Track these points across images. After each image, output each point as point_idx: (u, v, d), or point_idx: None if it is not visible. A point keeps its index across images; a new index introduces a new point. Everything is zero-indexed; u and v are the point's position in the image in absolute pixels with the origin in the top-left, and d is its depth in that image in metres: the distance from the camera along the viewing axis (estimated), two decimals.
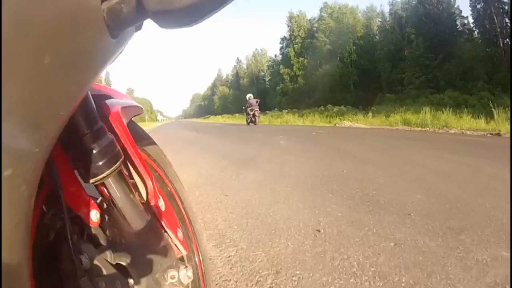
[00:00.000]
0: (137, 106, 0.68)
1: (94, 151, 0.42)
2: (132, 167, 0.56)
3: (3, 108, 0.21)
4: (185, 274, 0.58)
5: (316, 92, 36.53)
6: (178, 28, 0.35)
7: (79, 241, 0.43)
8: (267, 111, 30.35)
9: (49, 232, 0.42)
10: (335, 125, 14.23)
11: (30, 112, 0.24)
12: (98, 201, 0.48)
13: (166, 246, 0.58)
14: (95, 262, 0.44)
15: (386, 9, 32.68)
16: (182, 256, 0.65)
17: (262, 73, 61.14)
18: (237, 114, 38.60)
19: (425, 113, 11.50)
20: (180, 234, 0.63)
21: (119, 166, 0.46)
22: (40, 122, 0.25)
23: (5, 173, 0.21)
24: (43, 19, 0.24)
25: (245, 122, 17.17)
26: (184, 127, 15.65)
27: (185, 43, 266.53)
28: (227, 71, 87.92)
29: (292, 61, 41.80)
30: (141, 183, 0.57)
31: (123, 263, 0.49)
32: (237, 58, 74.21)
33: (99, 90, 0.57)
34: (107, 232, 0.50)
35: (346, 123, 14.16)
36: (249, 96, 16.71)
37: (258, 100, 15.36)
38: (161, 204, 0.59)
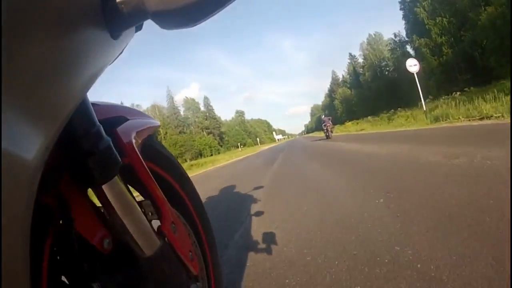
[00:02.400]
0: (153, 125, 0.68)
1: (92, 155, 0.41)
2: (144, 190, 0.57)
3: (3, 108, 0.21)
4: None
5: (480, 59, 24.86)
6: (178, 29, 0.35)
7: (91, 269, 0.43)
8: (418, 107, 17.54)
9: (61, 260, 0.41)
10: None
11: (30, 113, 0.24)
12: (110, 228, 0.48)
13: (177, 268, 0.60)
14: None
15: None
16: (193, 277, 0.66)
17: (384, 62, 51.15)
18: (369, 117, 29.54)
19: None
20: (191, 256, 0.64)
21: (117, 171, 0.46)
22: (40, 122, 0.25)
23: (5, 173, 0.21)
24: (43, 19, 0.24)
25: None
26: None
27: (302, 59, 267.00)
28: (341, 71, 79.54)
29: (427, 25, 30.60)
30: (155, 206, 0.58)
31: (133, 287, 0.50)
32: (350, 54, 65.73)
33: (114, 110, 0.58)
34: (119, 258, 0.49)
35: None
36: (323, 115, 19.58)
37: (330, 117, 17.73)
38: (174, 228, 0.60)
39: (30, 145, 0.24)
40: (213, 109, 78.53)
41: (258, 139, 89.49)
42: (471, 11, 26.09)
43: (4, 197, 0.21)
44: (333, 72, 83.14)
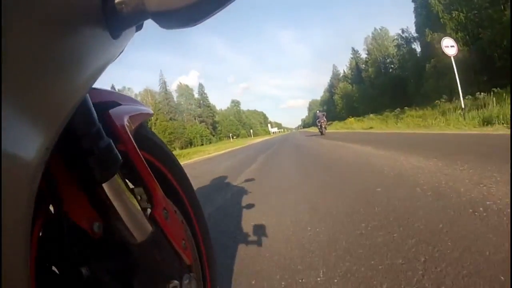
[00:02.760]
0: (146, 112, 0.67)
1: (92, 154, 0.41)
2: (136, 175, 0.56)
3: (3, 108, 0.21)
4: (188, 284, 0.59)
5: (498, 60, 22.46)
6: (179, 29, 0.35)
7: (80, 252, 0.43)
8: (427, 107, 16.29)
9: (50, 243, 0.41)
10: None
11: (30, 113, 0.24)
12: (100, 211, 0.47)
13: (168, 256, 0.58)
14: (96, 273, 0.43)
15: None
16: (186, 266, 0.64)
17: (389, 59, 48.85)
18: (371, 115, 27.30)
19: None
20: (184, 245, 0.63)
21: (117, 170, 0.45)
22: (40, 122, 0.25)
23: (5, 173, 0.21)
24: (44, 19, 0.24)
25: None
26: None
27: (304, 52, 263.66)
28: (343, 66, 76.95)
29: (441, 19, 28.01)
30: (146, 192, 0.57)
31: (125, 274, 0.49)
32: (352, 49, 63.17)
33: (106, 95, 0.57)
34: (109, 243, 0.49)
35: None
36: (318, 111, 21.06)
37: (325, 113, 18.49)
38: (166, 214, 0.59)
39: (30, 145, 0.24)
40: (207, 97, 75.95)
41: (251, 131, 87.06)
42: (490, 8, 23.64)
43: (4, 197, 0.21)
44: (334, 67, 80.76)
